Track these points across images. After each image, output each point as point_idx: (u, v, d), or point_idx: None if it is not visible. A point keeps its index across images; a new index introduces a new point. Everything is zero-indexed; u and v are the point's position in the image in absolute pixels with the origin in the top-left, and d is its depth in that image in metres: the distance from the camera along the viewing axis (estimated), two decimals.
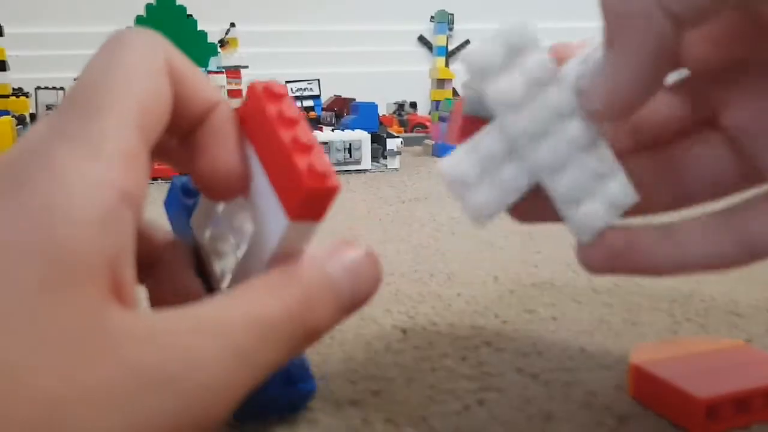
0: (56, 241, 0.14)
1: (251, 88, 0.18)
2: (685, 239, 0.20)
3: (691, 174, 0.21)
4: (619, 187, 0.20)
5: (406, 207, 0.62)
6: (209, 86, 0.19)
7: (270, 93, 0.18)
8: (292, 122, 0.17)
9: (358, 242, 0.20)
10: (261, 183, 0.18)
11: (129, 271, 0.15)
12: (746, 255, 0.20)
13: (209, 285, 0.20)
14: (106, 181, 0.15)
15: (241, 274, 0.19)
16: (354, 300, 0.19)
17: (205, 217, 0.20)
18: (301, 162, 0.17)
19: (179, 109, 0.18)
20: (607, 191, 0.20)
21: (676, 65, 0.20)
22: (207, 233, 0.20)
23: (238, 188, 0.18)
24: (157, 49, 0.17)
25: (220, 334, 0.15)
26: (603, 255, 0.20)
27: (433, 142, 1.07)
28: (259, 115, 0.18)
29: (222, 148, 0.18)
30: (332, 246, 0.19)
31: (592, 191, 0.20)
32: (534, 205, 0.20)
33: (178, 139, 0.19)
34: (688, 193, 0.21)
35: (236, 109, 0.19)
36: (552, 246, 0.46)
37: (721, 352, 0.23)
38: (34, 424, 0.12)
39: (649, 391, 0.22)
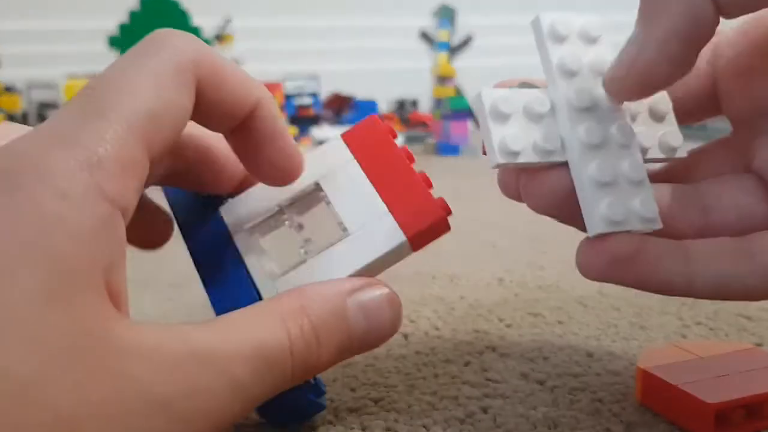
0: (54, 250, 0.14)
1: (373, 120, 0.21)
2: (700, 257, 0.19)
3: (717, 205, 0.20)
4: (644, 204, 0.19)
5: None
6: (249, 83, 0.19)
7: (391, 130, 0.21)
8: (413, 160, 0.21)
9: (381, 282, 0.19)
10: (362, 200, 0.20)
11: (121, 278, 0.16)
12: (765, 285, 0.19)
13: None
14: (101, 192, 0.15)
15: (307, 275, 0.20)
16: (365, 341, 0.19)
17: (245, 208, 0.21)
18: (433, 196, 0.20)
19: (221, 108, 0.18)
20: (632, 202, 0.19)
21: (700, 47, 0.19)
22: (247, 225, 0.21)
23: (298, 176, 0.20)
24: (186, 53, 0.17)
25: (218, 364, 0.16)
26: (604, 261, 0.19)
27: (435, 140, 1.07)
28: (382, 146, 0.21)
29: (283, 140, 0.19)
30: (356, 281, 0.19)
31: (620, 190, 0.19)
32: (552, 194, 0.19)
33: (227, 135, 0.20)
34: (711, 224, 0.20)
35: (344, 135, 0.21)
36: (558, 248, 0.45)
37: (730, 357, 0.23)
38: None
39: (657, 396, 0.22)
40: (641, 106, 0.21)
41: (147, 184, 0.20)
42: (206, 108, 0.18)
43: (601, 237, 0.19)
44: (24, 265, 0.13)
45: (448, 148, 1.03)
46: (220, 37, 1.15)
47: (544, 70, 0.20)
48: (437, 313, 0.32)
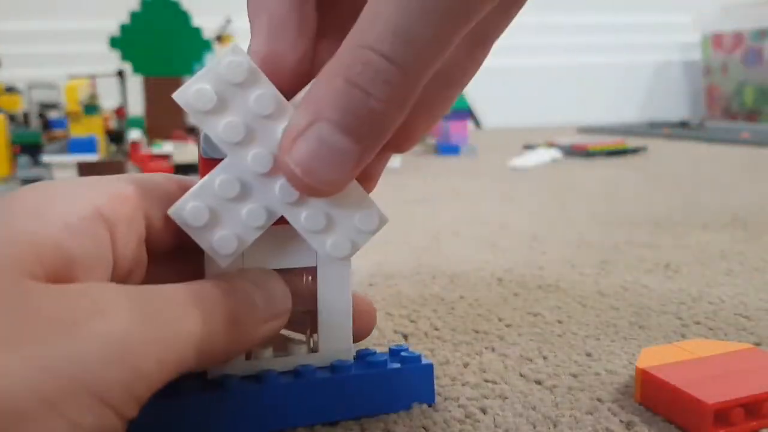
0: (14, 228, 0.16)
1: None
2: None
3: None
4: (364, 216, 0.20)
5: (407, 207, 0.61)
6: None
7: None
8: None
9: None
10: None
11: (94, 276, 0.16)
12: None
13: None
14: (87, 200, 0.17)
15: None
16: (269, 311, 0.19)
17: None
18: None
19: None
20: (352, 220, 0.20)
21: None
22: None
23: None
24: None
25: (131, 291, 0.16)
26: None
27: (435, 140, 1.07)
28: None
29: None
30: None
31: (336, 221, 0.20)
32: None
33: None
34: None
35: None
36: (557, 247, 0.45)
37: (729, 356, 0.23)
38: None
39: (656, 396, 0.22)
40: None
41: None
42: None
43: None
44: None
45: (448, 148, 1.03)
46: (221, 38, 1.15)
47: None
48: (437, 312, 0.32)
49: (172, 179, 0.20)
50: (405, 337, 0.29)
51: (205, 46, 1.03)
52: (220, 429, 0.20)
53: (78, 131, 0.83)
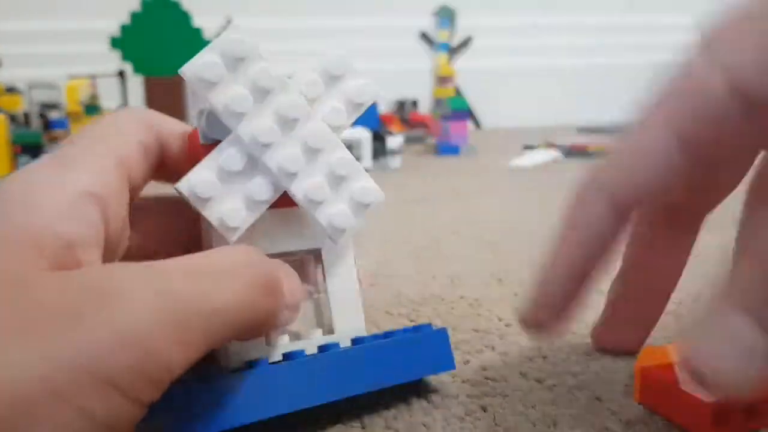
0: (9, 220, 0.16)
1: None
2: None
3: None
4: (363, 188, 0.21)
5: (407, 207, 0.62)
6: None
7: None
8: None
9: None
10: None
11: (92, 259, 0.17)
12: None
13: None
14: (74, 182, 0.17)
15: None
16: (292, 299, 0.19)
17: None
18: None
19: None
20: (351, 192, 0.21)
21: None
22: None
23: None
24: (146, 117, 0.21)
25: (145, 273, 0.15)
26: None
27: (435, 140, 1.07)
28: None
29: None
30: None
31: (337, 192, 0.21)
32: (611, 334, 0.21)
33: None
34: None
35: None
36: None
37: None
38: None
39: (655, 395, 0.22)
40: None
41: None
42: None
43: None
44: None
45: (448, 148, 1.03)
46: None
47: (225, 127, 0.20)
48: (437, 311, 0.32)
49: (148, 130, 0.21)
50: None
51: (206, 46, 1.03)
52: (247, 409, 0.20)
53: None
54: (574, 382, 0.24)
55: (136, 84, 1.01)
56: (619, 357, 0.26)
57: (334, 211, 0.21)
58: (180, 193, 0.19)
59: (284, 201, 0.21)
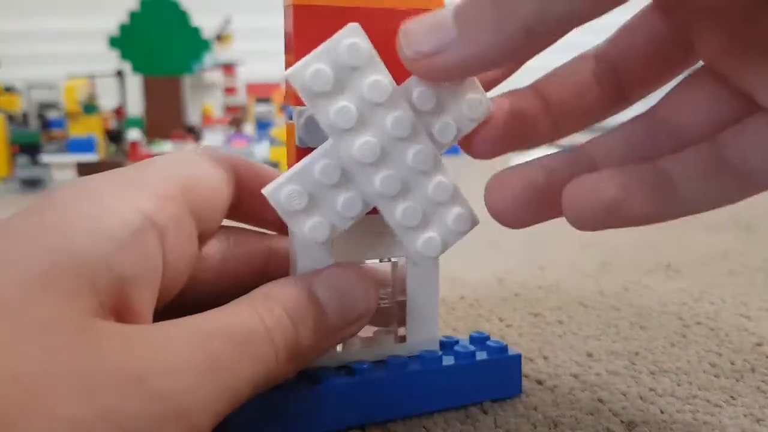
0: (68, 246, 0.15)
1: None
2: (685, 186, 0.18)
3: (683, 119, 0.19)
4: (457, 216, 0.20)
5: None
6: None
7: None
8: None
9: (350, 263, 0.20)
10: None
11: (142, 296, 0.16)
12: (748, 189, 0.18)
13: None
14: (136, 207, 0.16)
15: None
16: (343, 318, 0.19)
17: None
18: None
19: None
20: (445, 219, 0.20)
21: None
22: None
23: None
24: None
25: (195, 340, 0.15)
26: (597, 212, 0.18)
27: None
28: None
29: None
30: (317, 269, 0.19)
31: (430, 219, 0.20)
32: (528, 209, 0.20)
33: None
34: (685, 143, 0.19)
35: None
36: (558, 248, 0.45)
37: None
38: (1, 398, 0.13)
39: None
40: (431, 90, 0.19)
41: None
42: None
43: (589, 184, 0.18)
44: (31, 251, 0.14)
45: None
46: (220, 37, 1.15)
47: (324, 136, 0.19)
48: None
49: (220, 166, 0.20)
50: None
51: (204, 45, 1.03)
52: (311, 423, 0.20)
53: (77, 131, 0.83)
54: (576, 383, 0.24)
55: (134, 83, 1.01)
56: (621, 358, 0.26)
57: (424, 238, 0.20)
58: (267, 198, 0.18)
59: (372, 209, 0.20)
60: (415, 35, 0.17)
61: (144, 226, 0.16)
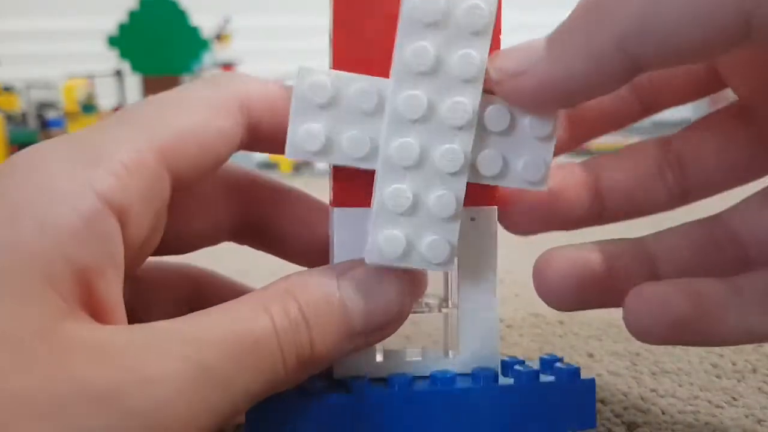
0: (19, 243, 0.13)
1: None
2: (753, 297, 0.17)
3: (695, 161, 0.19)
4: (432, 247, 0.17)
5: None
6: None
7: None
8: None
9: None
10: None
11: (109, 285, 0.14)
12: None
13: None
14: (93, 189, 0.14)
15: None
16: (370, 322, 0.17)
17: None
18: None
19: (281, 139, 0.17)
20: (421, 240, 0.17)
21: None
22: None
23: None
24: (238, 87, 0.17)
25: (179, 349, 0.14)
26: (666, 325, 0.16)
27: None
28: None
29: None
30: (347, 263, 0.17)
31: (412, 224, 0.17)
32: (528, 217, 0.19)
33: None
34: (692, 185, 0.19)
35: None
36: None
37: None
38: None
39: None
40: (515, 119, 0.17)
41: (214, 238, 0.20)
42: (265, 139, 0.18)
43: (658, 297, 0.17)
44: None
45: None
46: (219, 37, 1.15)
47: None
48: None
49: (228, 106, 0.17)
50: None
51: (204, 44, 1.03)
52: None
53: (76, 131, 0.83)
54: None
55: (133, 83, 1.01)
56: (622, 358, 0.26)
57: (391, 235, 0.17)
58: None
59: None
60: (504, 55, 0.16)
61: (98, 208, 0.14)
